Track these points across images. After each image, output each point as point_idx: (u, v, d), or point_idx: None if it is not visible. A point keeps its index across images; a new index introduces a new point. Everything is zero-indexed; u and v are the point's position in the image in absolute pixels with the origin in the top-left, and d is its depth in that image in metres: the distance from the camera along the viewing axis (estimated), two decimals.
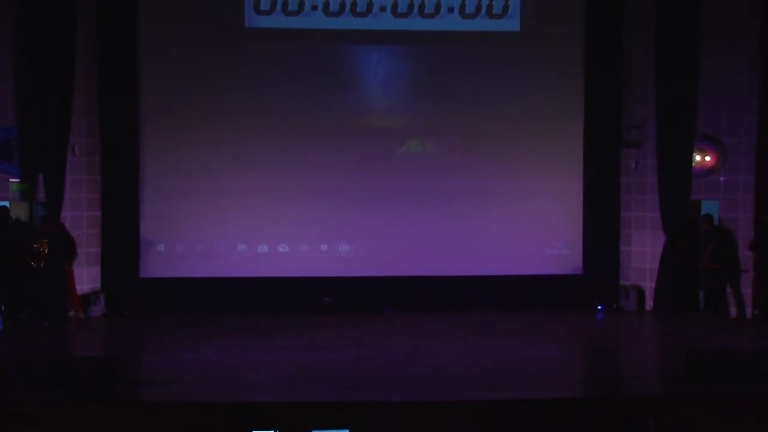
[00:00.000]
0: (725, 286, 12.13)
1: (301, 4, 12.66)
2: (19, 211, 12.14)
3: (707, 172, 12.50)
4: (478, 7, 12.85)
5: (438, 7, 12.80)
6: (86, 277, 12.40)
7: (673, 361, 9.09)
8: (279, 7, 12.65)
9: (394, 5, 12.78)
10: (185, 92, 12.62)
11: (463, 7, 12.84)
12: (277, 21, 12.69)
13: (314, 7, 12.68)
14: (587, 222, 13.13)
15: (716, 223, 12.39)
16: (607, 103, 12.99)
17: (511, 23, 12.92)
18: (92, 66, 12.37)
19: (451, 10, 12.81)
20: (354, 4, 12.73)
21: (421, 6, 12.79)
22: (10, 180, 11.83)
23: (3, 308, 11.05)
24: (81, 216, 12.44)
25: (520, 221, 13.00)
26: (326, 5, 12.72)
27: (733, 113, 12.38)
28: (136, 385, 8.23)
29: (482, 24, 12.89)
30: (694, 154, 12.36)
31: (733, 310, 12.08)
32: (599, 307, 12.83)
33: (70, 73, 11.80)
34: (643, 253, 13.01)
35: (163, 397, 7.72)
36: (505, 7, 12.89)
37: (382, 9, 12.76)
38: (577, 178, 13.11)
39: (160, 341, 10.60)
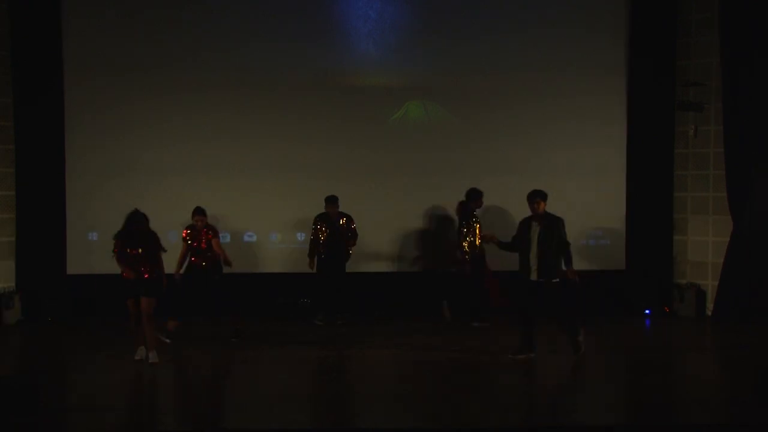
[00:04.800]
0: None
1: None
2: None
3: None
4: None
5: None
6: None
7: (742, 381, 9.02)
8: None
9: None
10: (119, 41, 12.50)
11: None
12: None
13: None
14: (632, 205, 13.13)
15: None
16: (657, 52, 12.93)
17: None
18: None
19: None
20: None
21: None
22: None
23: None
24: None
25: (547, 205, 12.88)
26: None
27: None
28: (62, 412, 8.08)
29: None
30: None
31: None
32: (647, 312, 12.85)
33: None
34: (703, 243, 12.97)
35: (96, 428, 7.60)
36: None
37: None
38: (619, 148, 13.11)
39: (92, 356, 10.43)
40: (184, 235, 11.07)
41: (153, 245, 9.72)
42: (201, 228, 10.94)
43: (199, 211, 10.98)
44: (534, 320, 9.86)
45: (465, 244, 11.84)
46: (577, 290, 9.95)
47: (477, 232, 11.80)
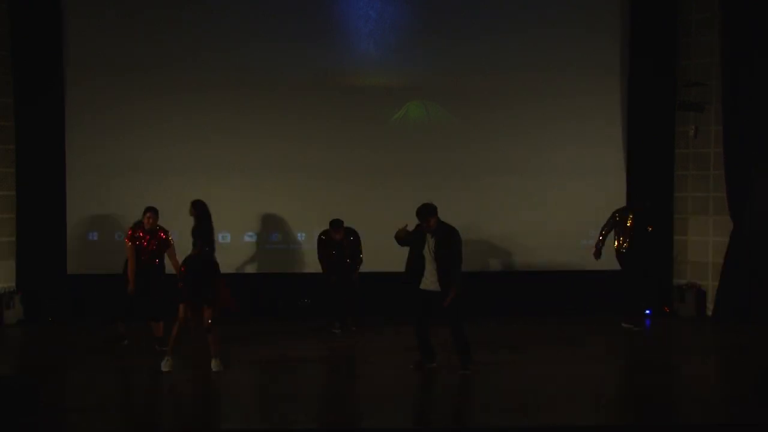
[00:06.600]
0: None
1: None
2: None
3: None
4: None
5: None
6: None
7: (742, 381, 9.02)
8: None
9: None
10: (119, 41, 12.49)
11: None
12: None
13: None
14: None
15: None
16: (657, 52, 12.94)
17: None
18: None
19: None
20: None
21: None
22: None
23: None
24: None
25: (547, 205, 12.94)
26: None
27: None
28: (62, 412, 8.06)
29: None
30: None
31: None
32: (647, 312, 12.81)
33: None
34: (703, 243, 12.97)
35: (96, 428, 7.59)
36: None
37: None
38: (619, 148, 13.11)
39: (92, 356, 10.41)
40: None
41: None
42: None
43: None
44: (429, 329, 9.41)
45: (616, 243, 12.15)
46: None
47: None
